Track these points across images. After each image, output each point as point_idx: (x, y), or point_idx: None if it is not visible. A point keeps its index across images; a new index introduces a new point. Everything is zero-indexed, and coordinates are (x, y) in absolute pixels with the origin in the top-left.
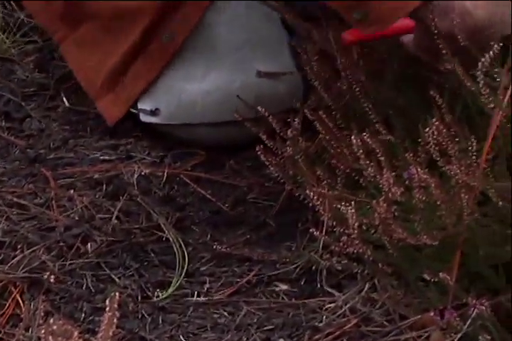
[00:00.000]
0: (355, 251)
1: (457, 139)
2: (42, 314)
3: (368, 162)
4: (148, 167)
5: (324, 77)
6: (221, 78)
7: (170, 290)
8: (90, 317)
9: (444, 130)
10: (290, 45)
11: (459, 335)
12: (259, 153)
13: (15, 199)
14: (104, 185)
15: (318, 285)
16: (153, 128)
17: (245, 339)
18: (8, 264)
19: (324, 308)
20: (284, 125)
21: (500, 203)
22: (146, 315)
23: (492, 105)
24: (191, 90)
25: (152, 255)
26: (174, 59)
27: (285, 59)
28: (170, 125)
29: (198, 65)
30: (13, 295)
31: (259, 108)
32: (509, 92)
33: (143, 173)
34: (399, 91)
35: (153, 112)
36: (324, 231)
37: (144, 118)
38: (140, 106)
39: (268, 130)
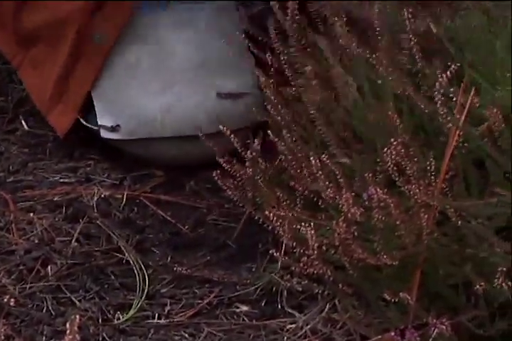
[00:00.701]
0: (316, 271)
1: (415, 159)
2: (2, 337)
3: (327, 183)
4: (107, 189)
5: (282, 98)
6: (181, 94)
7: (131, 313)
8: None
9: (403, 150)
10: (251, 65)
11: None
12: (216, 178)
13: None
14: (64, 208)
15: (279, 306)
16: (113, 147)
17: None
18: None
19: (285, 329)
20: (243, 144)
21: (459, 222)
22: (107, 338)
23: (449, 125)
24: (151, 106)
25: (112, 277)
26: (135, 75)
27: (246, 77)
28: (130, 141)
29: (158, 81)
30: None
31: (219, 124)
32: (465, 111)
33: (102, 196)
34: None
35: (114, 128)
36: (284, 252)
37: (105, 134)
38: (100, 122)
39: (227, 148)
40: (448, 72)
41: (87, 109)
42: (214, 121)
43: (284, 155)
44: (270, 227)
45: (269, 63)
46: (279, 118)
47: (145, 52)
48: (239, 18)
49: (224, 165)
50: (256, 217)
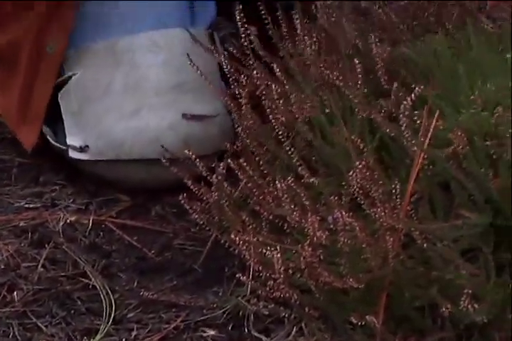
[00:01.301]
0: (282, 295)
1: (381, 182)
2: None
3: (292, 206)
4: (73, 214)
5: (250, 122)
6: (151, 116)
7: (97, 338)
8: None
9: (368, 173)
10: (223, 90)
11: None
12: (182, 201)
13: None
14: (30, 233)
15: (246, 330)
16: (79, 172)
17: None
18: None
19: None
20: (210, 168)
21: (425, 245)
22: None
23: (414, 147)
24: (120, 127)
25: (79, 303)
26: (107, 97)
27: (217, 102)
28: (97, 162)
29: (129, 102)
30: None
31: (187, 149)
32: (430, 134)
33: (68, 221)
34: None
35: (82, 149)
36: (251, 276)
37: (73, 154)
38: (69, 142)
39: (194, 173)
40: (412, 95)
41: (56, 128)
42: (182, 145)
43: (249, 179)
44: (237, 251)
45: (242, 86)
46: (247, 140)
47: (118, 74)
48: (212, 41)
49: (191, 189)
50: (222, 241)
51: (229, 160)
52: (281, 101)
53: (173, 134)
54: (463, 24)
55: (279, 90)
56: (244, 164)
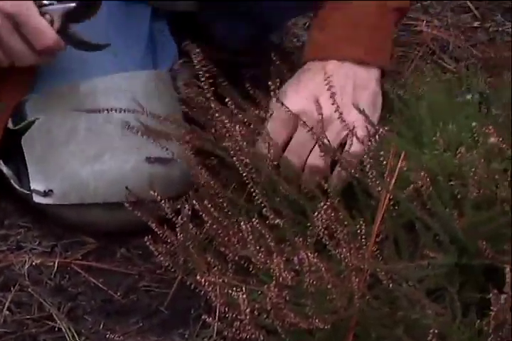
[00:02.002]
0: (248, 336)
1: (346, 223)
2: None
3: (257, 248)
4: (38, 257)
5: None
6: (114, 159)
7: None
8: None
9: (333, 214)
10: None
11: None
12: (148, 243)
13: None
14: None
15: None
16: (44, 214)
17: None
18: None
19: None
20: (175, 210)
21: (391, 285)
22: None
23: (379, 188)
24: (84, 171)
25: None
26: (70, 141)
27: (179, 146)
28: (62, 206)
29: (93, 146)
30: None
31: (151, 192)
32: (395, 175)
33: (34, 264)
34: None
35: (46, 193)
36: (217, 317)
37: (37, 199)
38: (33, 186)
39: (159, 215)
40: (376, 137)
41: (20, 172)
42: (146, 187)
43: (213, 221)
44: (202, 292)
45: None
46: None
47: (82, 118)
48: (174, 83)
49: (156, 231)
50: (188, 282)
51: (193, 202)
52: (244, 143)
53: (136, 177)
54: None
55: (242, 132)
56: (209, 205)
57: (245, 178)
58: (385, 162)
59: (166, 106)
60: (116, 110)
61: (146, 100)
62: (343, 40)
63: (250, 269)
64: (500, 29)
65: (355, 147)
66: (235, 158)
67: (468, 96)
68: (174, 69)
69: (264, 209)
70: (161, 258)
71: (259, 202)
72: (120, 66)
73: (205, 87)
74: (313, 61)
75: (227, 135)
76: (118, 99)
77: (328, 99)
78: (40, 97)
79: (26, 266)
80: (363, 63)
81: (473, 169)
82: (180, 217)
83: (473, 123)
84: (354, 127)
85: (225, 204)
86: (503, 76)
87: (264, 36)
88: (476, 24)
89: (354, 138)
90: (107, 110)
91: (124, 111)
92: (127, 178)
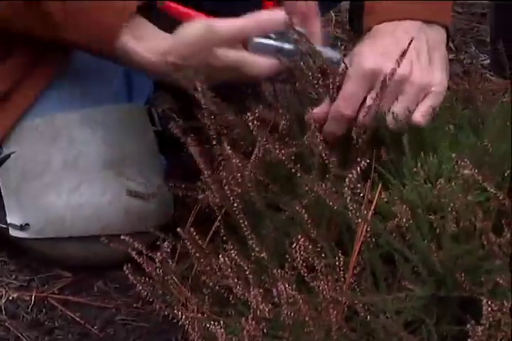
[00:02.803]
0: None
1: (324, 255)
2: None
3: (235, 280)
4: (15, 291)
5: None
6: (90, 192)
7: None
8: None
9: (310, 246)
10: (162, 165)
11: None
12: (127, 272)
13: None
14: None
15: None
16: (21, 248)
17: None
18: None
19: None
20: (152, 243)
21: (368, 317)
22: None
23: (358, 220)
24: (60, 204)
25: None
26: (45, 174)
27: (156, 178)
28: (38, 240)
29: (68, 179)
30: None
31: (128, 225)
32: (373, 207)
33: (10, 298)
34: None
35: (22, 227)
36: None
37: (14, 232)
38: (9, 220)
39: (137, 248)
40: (358, 169)
41: None
42: (124, 221)
43: (192, 253)
44: (180, 325)
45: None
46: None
47: (56, 151)
48: (150, 117)
49: (133, 264)
50: (165, 316)
51: (172, 234)
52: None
53: (113, 210)
54: None
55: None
56: (188, 236)
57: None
58: (362, 194)
59: (141, 140)
60: (91, 142)
61: (122, 134)
62: (407, 2)
63: (229, 300)
64: (474, 61)
65: (433, 101)
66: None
67: (446, 128)
68: (150, 102)
69: (246, 241)
70: (140, 289)
71: (239, 233)
72: (95, 100)
73: (180, 121)
74: (382, 24)
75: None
76: (94, 132)
77: (405, 59)
78: (15, 130)
79: (3, 300)
80: (432, 23)
81: (451, 201)
82: (158, 248)
83: (453, 155)
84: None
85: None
86: (479, 108)
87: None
88: (451, 56)
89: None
90: (82, 143)
91: (99, 143)
92: (103, 212)
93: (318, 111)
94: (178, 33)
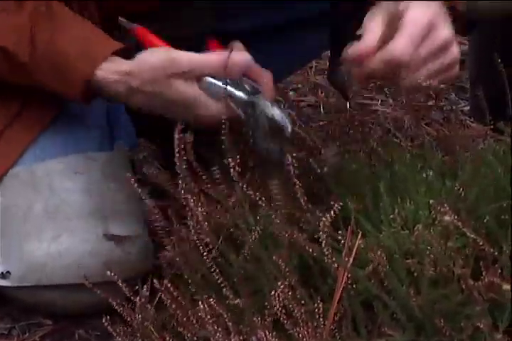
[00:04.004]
0: None
1: (303, 302)
2: None
3: (215, 327)
4: None
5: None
6: (71, 241)
7: None
8: None
9: (290, 293)
10: (144, 212)
11: None
12: (106, 324)
13: None
14: None
15: None
16: (2, 294)
17: None
18: None
19: None
20: (133, 291)
21: None
22: None
23: (335, 265)
24: (41, 252)
25: None
26: (26, 221)
27: (137, 225)
28: (20, 288)
29: (49, 227)
30: None
31: (109, 273)
32: (353, 254)
33: None
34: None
35: (3, 275)
36: None
37: None
38: None
39: (118, 296)
40: (332, 212)
41: None
42: (104, 270)
43: (173, 301)
44: None
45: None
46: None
47: (38, 199)
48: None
49: (114, 311)
50: None
51: (153, 281)
52: (205, 223)
53: (93, 258)
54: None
55: (203, 212)
56: (169, 285)
57: (205, 257)
58: (342, 240)
59: (123, 188)
60: (72, 192)
61: (104, 182)
62: None
63: None
64: (454, 107)
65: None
66: (195, 237)
67: (425, 175)
68: (132, 149)
69: (224, 290)
70: (120, 340)
71: (219, 282)
72: (77, 147)
73: (163, 168)
74: None
75: (190, 214)
76: (75, 181)
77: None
78: None
79: None
80: None
81: (429, 247)
82: (138, 297)
83: (431, 201)
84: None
85: (186, 284)
86: (459, 154)
87: None
88: (430, 103)
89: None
90: (63, 192)
91: (80, 192)
92: (84, 260)
93: (362, 46)
94: (139, 57)
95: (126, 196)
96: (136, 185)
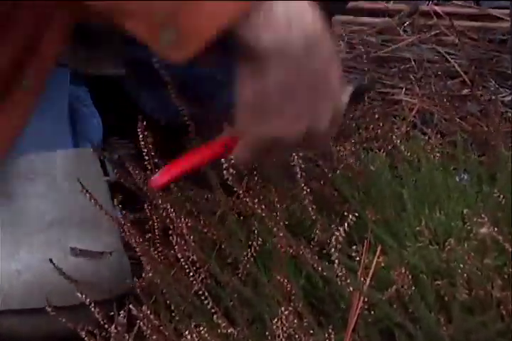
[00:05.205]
0: None
1: (311, 331)
2: None
3: None
4: None
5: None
6: (32, 258)
7: None
8: None
9: (296, 320)
10: (117, 223)
11: None
12: None
13: None
14: None
15: None
16: None
17: None
18: None
19: None
20: (107, 316)
21: None
22: None
23: (350, 289)
24: None
25: None
26: None
27: (110, 238)
28: None
29: (7, 242)
30: None
31: (77, 295)
32: (371, 273)
33: None
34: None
35: None
36: None
37: None
38: None
39: (88, 322)
40: (345, 225)
41: None
42: (71, 290)
43: (153, 329)
44: None
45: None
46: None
47: None
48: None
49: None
50: None
51: (130, 306)
52: (191, 237)
53: (57, 278)
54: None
55: (189, 224)
56: (148, 311)
57: (192, 279)
58: (357, 257)
59: (90, 190)
60: (31, 198)
61: (68, 183)
62: None
63: None
64: (493, 97)
65: None
66: (179, 255)
67: (458, 179)
68: (99, 146)
69: (215, 316)
70: None
71: (209, 307)
72: (37, 145)
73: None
74: None
75: (171, 226)
76: (34, 185)
77: None
78: None
79: None
80: None
81: (463, 265)
82: (114, 325)
83: (465, 210)
84: None
85: (167, 307)
86: (499, 154)
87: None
88: (465, 92)
89: None
90: (21, 198)
91: (41, 198)
92: (47, 279)
93: None
94: None
95: (95, 202)
96: (107, 188)
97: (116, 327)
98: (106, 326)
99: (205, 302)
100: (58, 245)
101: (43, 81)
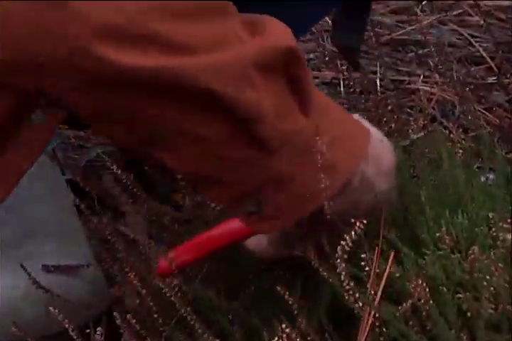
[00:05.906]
0: None
1: None
2: None
3: None
4: None
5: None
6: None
7: None
8: None
9: (298, 339)
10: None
11: None
12: None
13: None
14: None
15: None
16: None
17: None
18: None
19: None
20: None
21: None
22: None
23: (360, 303)
24: None
25: None
26: None
27: (82, 253)
28: None
29: None
30: None
31: (47, 323)
32: (382, 285)
33: None
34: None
35: None
36: None
37: None
38: None
39: None
40: (352, 233)
41: None
42: (45, 318)
43: None
44: None
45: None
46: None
47: None
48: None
49: None
50: None
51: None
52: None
53: (29, 306)
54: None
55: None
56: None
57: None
58: (367, 266)
59: (55, 201)
60: None
61: (28, 195)
62: None
63: None
64: None
65: None
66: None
67: (483, 178)
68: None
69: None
70: None
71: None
72: None
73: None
74: None
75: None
76: None
77: None
78: None
79: None
80: None
81: (488, 277)
82: None
83: (490, 214)
84: None
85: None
86: None
87: None
88: (491, 80)
89: None
90: None
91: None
92: (16, 308)
93: None
94: None
95: (68, 221)
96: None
97: None
98: None
99: (193, 323)
100: (24, 261)
101: None
